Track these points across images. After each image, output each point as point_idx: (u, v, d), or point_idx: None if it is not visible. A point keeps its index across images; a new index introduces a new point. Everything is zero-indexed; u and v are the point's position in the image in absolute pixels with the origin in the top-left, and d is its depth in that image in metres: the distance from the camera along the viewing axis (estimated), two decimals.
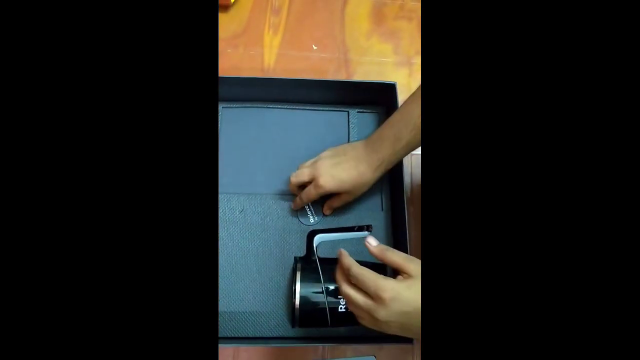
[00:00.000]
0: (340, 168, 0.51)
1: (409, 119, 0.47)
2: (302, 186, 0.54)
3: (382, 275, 0.36)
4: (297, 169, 0.54)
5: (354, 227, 0.51)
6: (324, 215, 0.57)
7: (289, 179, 0.55)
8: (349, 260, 0.39)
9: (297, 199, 0.55)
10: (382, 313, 0.34)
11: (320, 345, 0.53)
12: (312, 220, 0.56)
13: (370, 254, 0.41)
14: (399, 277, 0.37)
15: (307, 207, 0.57)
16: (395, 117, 0.49)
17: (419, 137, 0.46)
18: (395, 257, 0.38)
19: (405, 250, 0.50)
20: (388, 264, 0.39)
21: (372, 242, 0.41)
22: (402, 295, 0.34)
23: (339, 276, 0.40)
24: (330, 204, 0.55)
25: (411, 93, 0.49)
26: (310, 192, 0.52)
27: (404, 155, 0.50)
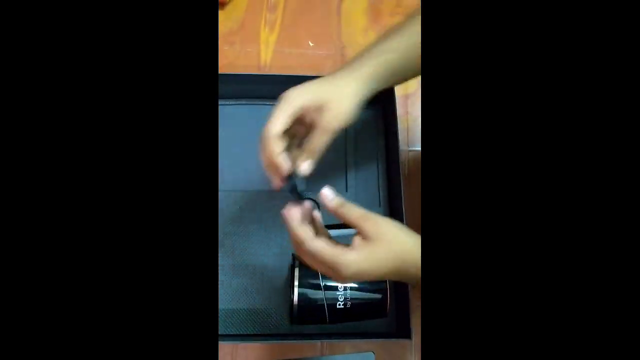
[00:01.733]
0: (310, 83, 0.41)
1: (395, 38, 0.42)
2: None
3: (339, 248, 0.33)
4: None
5: None
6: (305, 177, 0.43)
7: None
8: (302, 234, 0.34)
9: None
10: (343, 278, 0.33)
11: (318, 342, 0.53)
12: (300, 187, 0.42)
13: (327, 209, 0.35)
14: (356, 240, 0.34)
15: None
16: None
17: (407, 58, 0.41)
18: (351, 213, 0.34)
19: None
20: (344, 222, 0.35)
21: (327, 195, 0.35)
22: (361, 267, 0.32)
23: (293, 245, 0.35)
24: (310, 144, 0.40)
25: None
26: (275, 113, 0.39)
27: (390, 68, 0.43)
